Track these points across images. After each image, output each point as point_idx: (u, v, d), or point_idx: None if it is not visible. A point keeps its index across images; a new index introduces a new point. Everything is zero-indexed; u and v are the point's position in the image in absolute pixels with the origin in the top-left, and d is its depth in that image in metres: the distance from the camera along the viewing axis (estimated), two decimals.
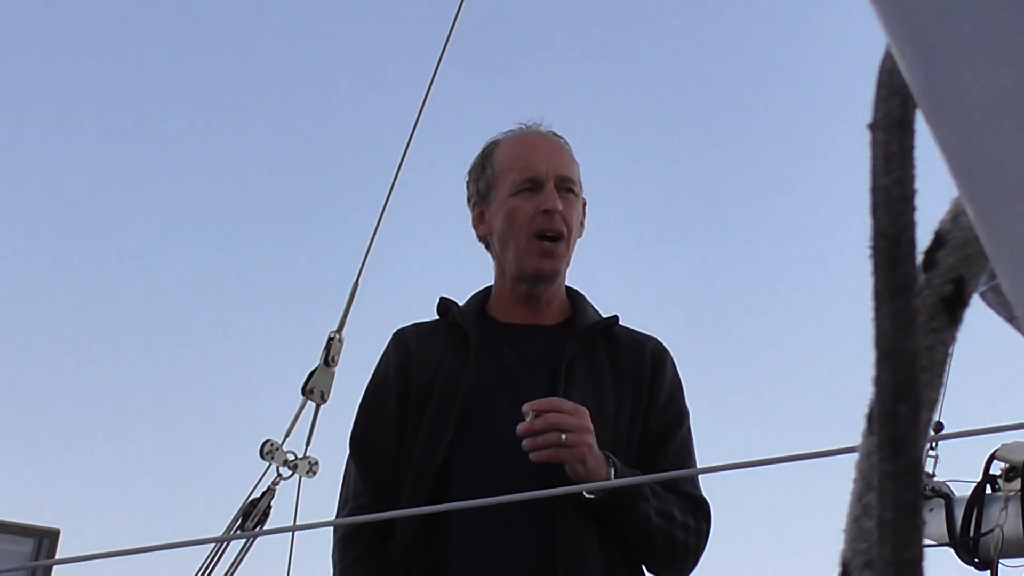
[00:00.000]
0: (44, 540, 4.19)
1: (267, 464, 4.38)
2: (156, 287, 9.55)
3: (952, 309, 0.69)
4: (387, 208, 4.55)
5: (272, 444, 4.40)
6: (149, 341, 9.47)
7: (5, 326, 9.19)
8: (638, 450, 3.14)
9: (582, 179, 3.32)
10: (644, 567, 3.17)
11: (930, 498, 4.70)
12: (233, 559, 4.24)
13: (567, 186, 3.23)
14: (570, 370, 3.14)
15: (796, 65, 9.12)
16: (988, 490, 4.59)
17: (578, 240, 3.30)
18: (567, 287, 3.35)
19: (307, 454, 4.41)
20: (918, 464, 0.60)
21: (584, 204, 3.32)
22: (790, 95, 9.19)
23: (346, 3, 9.29)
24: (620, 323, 3.29)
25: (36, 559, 4.17)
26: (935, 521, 4.66)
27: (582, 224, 3.31)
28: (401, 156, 4.59)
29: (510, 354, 3.22)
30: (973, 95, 0.61)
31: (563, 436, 2.92)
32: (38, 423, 9.08)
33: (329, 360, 4.46)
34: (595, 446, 2.96)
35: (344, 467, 3.32)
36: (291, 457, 4.39)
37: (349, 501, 3.24)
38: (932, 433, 4.56)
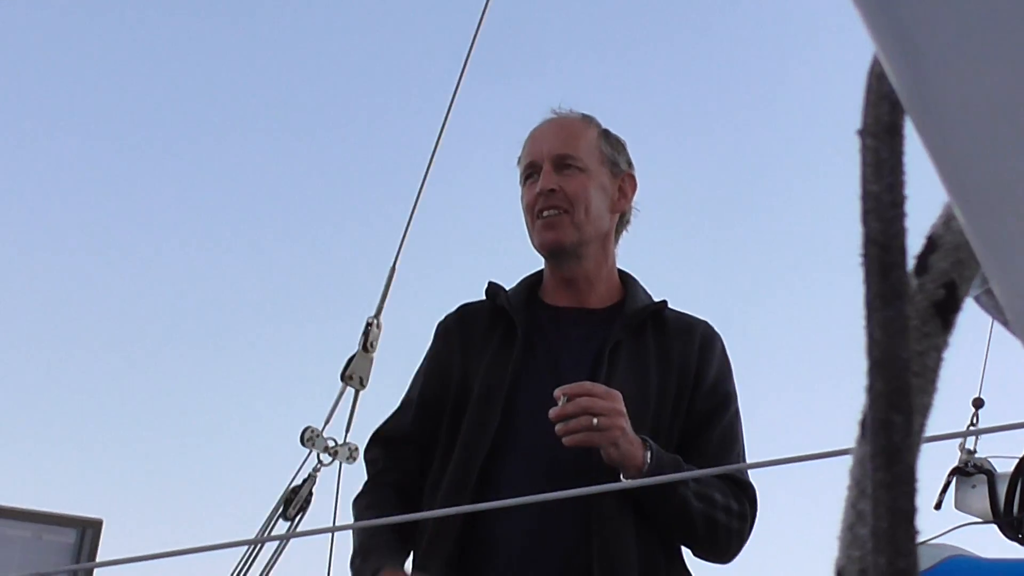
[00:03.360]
0: (87, 530, 4.22)
1: (308, 451, 4.40)
2: (193, 278, 9.60)
3: (945, 313, 0.68)
4: (423, 191, 4.55)
5: (312, 431, 4.41)
6: (188, 331, 9.51)
7: (48, 317, 9.26)
8: (682, 433, 3.15)
9: (618, 153, 3.37)
10: (690, 550, 3.17)
11: (972, 474, 4.67)
12: (273, 550, 4.26)
13: (565, 163, 3.29)
14: (614, 354, 3.15)
15: (797, 66, 9.14)
16: None
17: (621, 214, 3.36)
18: (620, 271, 3.38)
19: (347, 440, 4.42)
20: (912, 472, 0.60)
21: (625, 177, 3.36)
22: (792, 94, 9.21)
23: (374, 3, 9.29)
24: (670, 307, 3.31)
25: (79, 550, 4.19)
26: (978, 498, 4.63)
27: (625, 196, 3.36)
28: (436, 138, 4.59)
29: (556, 337, 3.25)
30: (960, 100, 0.61)
31: (595, 420, 2.94)
32: (79, 413, 9.15)
33: (368, 346, 4.47)
34: (628, 429, 2.97)
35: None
36: (331, 444, 4.41)
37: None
38: (973, 410, 4.55)
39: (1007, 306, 0.64)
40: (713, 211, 9.02)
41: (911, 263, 0.70)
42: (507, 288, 3.38)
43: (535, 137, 3.37)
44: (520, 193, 3.37)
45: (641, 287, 3.36)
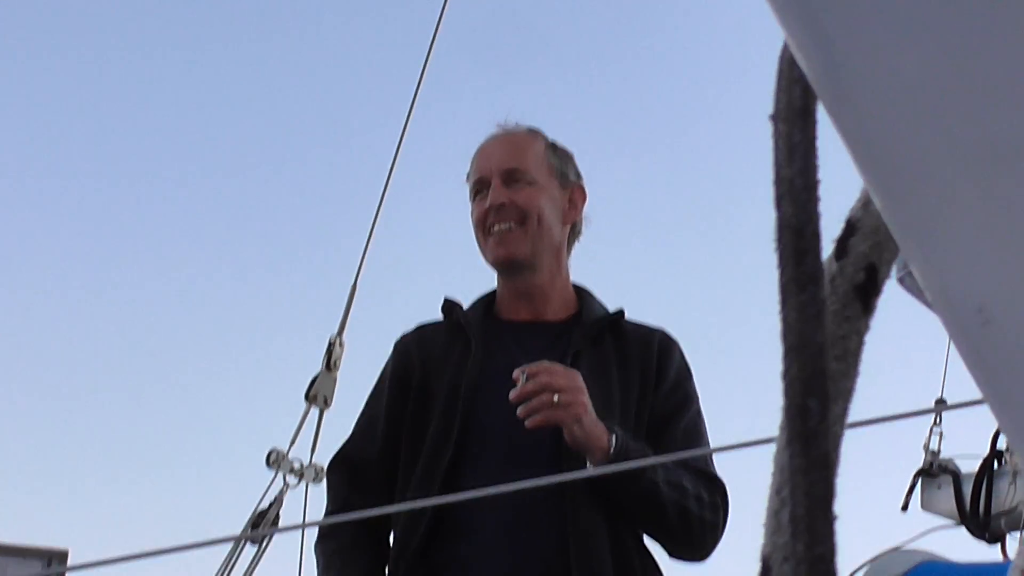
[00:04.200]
0: (53, 561, 4.20)
1: (274, 473, 4.38)
2: (154, 300, 9.57)
3: (866, 297, 0.68)
4: (382, 208, 4.54)
5: (278, 453, 4.39)
6: (152, 356, 9.48)
7: (8, 348, 9.22)
8: (646, 436, 3.14)
9: (566, 165, 3.38)
10: (665, 547, 3.16)
11: (937, 475, 4.69)
12: (247, 567, 4.24)
13: (515, 177, 3.29)
14: (575, 363, 3.14)
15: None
16: (995, 465, 4.58)
17: (572, 225, 3.36)
18: (574, 285, 3.38)
19: (312, 461, 4.40)
20: (829, 458, 0.59)
21: (575, 188, 3.37)
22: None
23: (335, 7, 9.30)
24: (626, 317, 3.31)
25: None
26: (944, 498, 4.65)
27: (575, 207, 3.36)
28: (394, 156, 4.58)
29: (516, 350, 3.23)
30: (870, 83, 0.61)
31: (555, 396, 2.93)
32: (43, 443, 9.10)
33: (331, 365, 4.44)
34: (590, 407, 2.96)
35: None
36: (297, 465, 4.39)
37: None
38: (935, 406, 4.57)
39: (926, 287, 0.64)
40: (664, 219, 9.07)
41: (830, 247, 0.69)
42: (464, 305, 3.37)
43: (483, 152, 3.37)
44: (470, 209, 3.36)
45: (596, 299, 3.37)
